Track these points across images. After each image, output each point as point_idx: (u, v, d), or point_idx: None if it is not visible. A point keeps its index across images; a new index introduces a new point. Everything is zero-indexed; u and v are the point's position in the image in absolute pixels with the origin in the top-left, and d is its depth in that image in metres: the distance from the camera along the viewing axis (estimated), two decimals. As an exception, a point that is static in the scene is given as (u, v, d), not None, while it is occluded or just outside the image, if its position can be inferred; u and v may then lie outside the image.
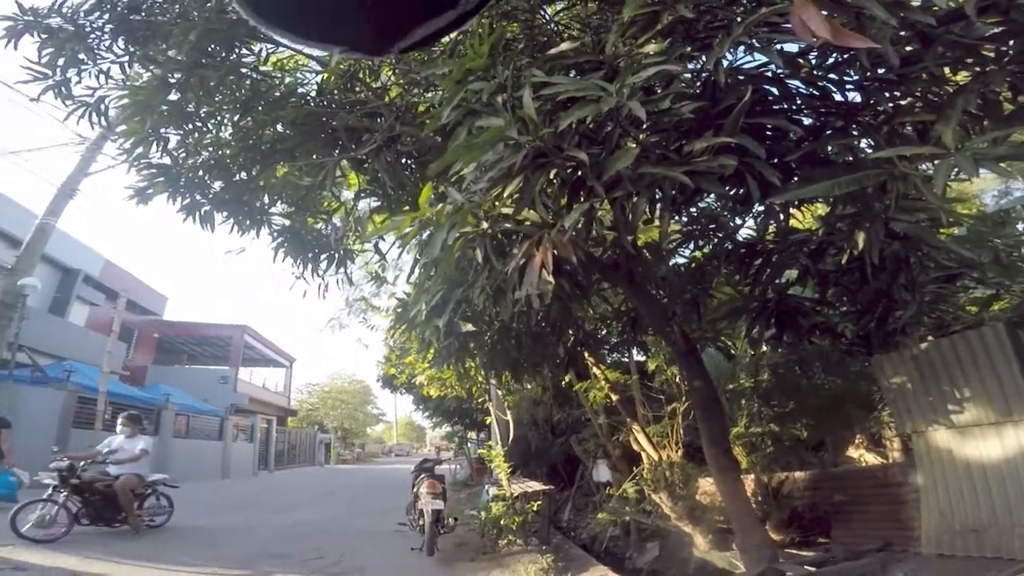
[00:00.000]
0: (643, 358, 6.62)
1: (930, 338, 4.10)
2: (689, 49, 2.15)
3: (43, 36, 3.40)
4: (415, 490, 6.28)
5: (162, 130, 3.85)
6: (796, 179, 2.18)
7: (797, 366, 5.62)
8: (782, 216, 2.99)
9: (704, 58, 2.15)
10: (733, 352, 5.68)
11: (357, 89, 3.85)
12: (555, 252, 1.86)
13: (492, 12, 2.82)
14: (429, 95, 3.81)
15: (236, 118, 4.00)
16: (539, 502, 6.06)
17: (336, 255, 4.64)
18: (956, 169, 1.81)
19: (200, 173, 4.06)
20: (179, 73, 3.48)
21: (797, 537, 5.18)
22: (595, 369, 5.92)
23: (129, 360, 17.54)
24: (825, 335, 4.20)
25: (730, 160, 1.82)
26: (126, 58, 3.67)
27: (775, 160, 2.08)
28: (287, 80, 4.23)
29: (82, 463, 6.15)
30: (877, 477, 4.94)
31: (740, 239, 3.65)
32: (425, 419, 23.76)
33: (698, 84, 2.27)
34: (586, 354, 4.57)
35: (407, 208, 4.11)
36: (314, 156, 3.84)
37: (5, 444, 7.09)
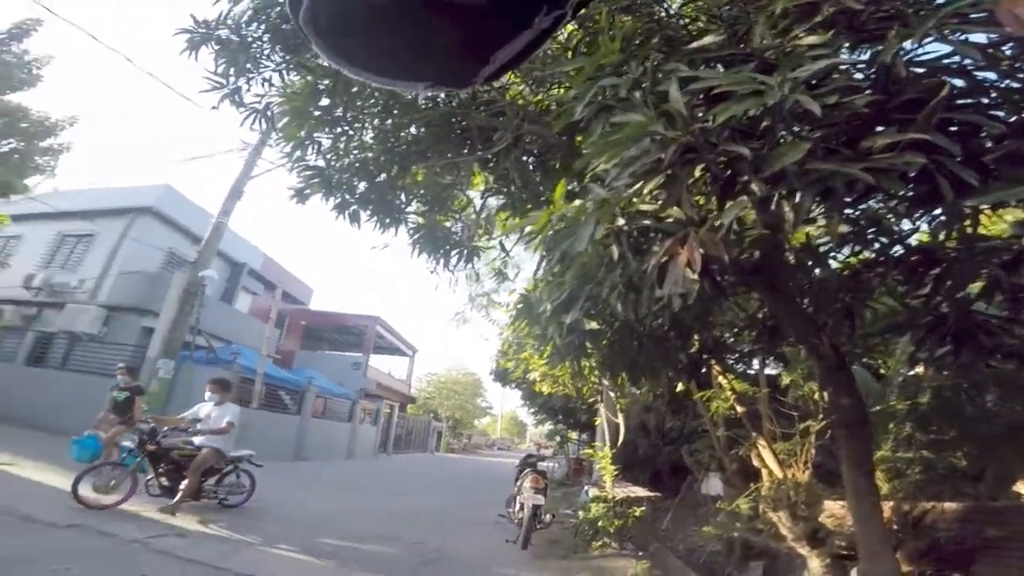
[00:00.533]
0: (775, 371, 6.16)
1: None
2: (852, 42, 1.98)
3: (216, 47, 3.80)
4: (518, 483, 6.43)
5: (315, 134, 4.21)
6: (994, 180, 1.90)
7: (964, 391, 4.91)
8: (969, 221, 2.59)
9: (870, 50, 1.96)
10: (883, 371, 5.10)
11: (485, 89, 3.96)
12: (702, 251, 1.79)
13: (612, 6, 2.75)
14: (554, 92, 3.82)
15: (377, 122, 4.29)
16: (642, 508, 5.90)
17: (465, 251, 4.88)
18: None
19: (348, 175, 4.42)
20: (327, 80, 3.79)
21: (930, 570, 4.60)
22: (720, 378, 5.61)
23: (281, 345, 19.50)
24: (1010, 358, 3.57)
25: (918, 158, 1.64)
26: (283, 66, 4.03)
27: (968, 159, 1.84)
28: None
29: (165, 428, 5.83)
30: None
31: (911, 244, 3.23)
32: (529, 415, 24.03)
33: (867, 78, 2.07)
34: (711, 362, 4.32)
35: (530, 207, 4.20)
36: (447, 156, 4.05)
37: (137, 410, 7.35)
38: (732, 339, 4.81)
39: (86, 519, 4.53)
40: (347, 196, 4.47)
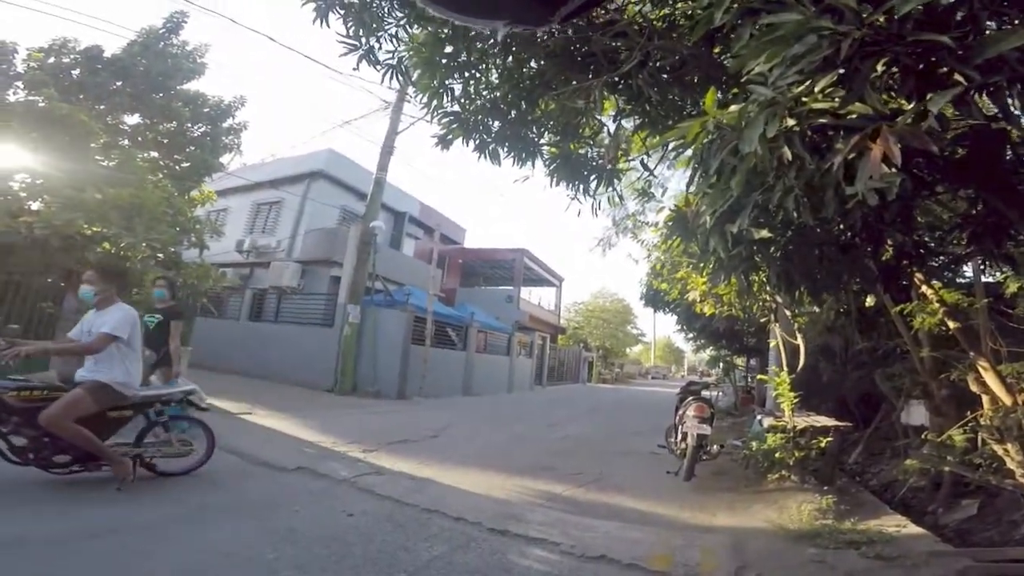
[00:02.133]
0: (994, 278, 5.10)
1: None
2: None
3: (341, 12, 3.95)
4: (680, 413, 6.25)
5: (447, 82, 4.29)
6: None
7: None
8: None
9: None
10: None
11: (602, 11, 3.72)
12: (900, 144, 1.56)
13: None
14: (680, 6, 3.48)
15: (499, 61, 4.25)
16: (829, 438, 5.43)
17: (604, 175, 4.74)
18: None
19: (481, 116, 4.49)
20: (445, 27, 3.80)
21: None
22: (924, 289, 4.79)
23: (443, 283, 20.78)
24: None
25: None
26: (404, 21, 4.11)
27: None
28: None
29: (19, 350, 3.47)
30: None
31: None
32: (686, 342, 23.19)
33: None
34: (911, 269, 3.68)
35: (670, 123, 3.91)
36: (573, 83, 3.90)
37: (173, 343, 5.45)
38: (936, 243, 4.04)
39: (308, 461, 5.22)
40: (484, 136, 4.57)
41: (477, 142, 4.57)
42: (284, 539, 3.23)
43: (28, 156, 6.62)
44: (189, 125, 9.68)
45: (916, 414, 6.00)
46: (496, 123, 4.54)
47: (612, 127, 4.97)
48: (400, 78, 4.46)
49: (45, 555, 2.69)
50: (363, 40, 4.16)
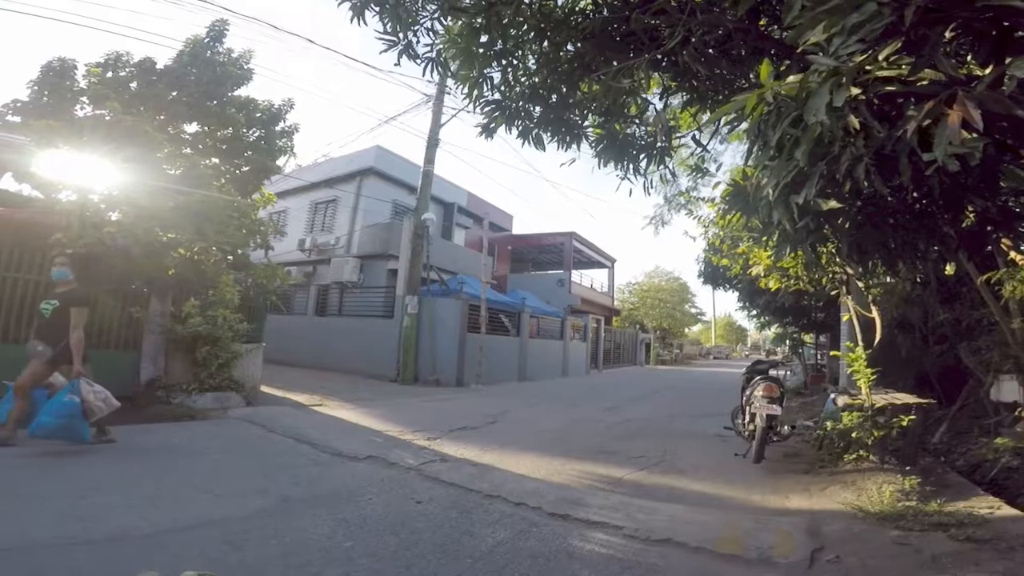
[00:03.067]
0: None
1: None
2: None
3: (377, 9, 3.98)
4: (747, 393, 6.04)
5: (486, 71, 4.31)
6: None
7: None
8: None
9: None
10: None
11: None
12: (979, 109, 1.46)
13: None
14: None
15: (535, 46, 4.21)
16: (911, 416, 5.11)
17: (655, 152, 4.64)
18: None
19: (522, 102, 4.48)
20: (479, 16, 3.79)
21: None
22: (1013, 255, 4.41)
23: (495, 271, 21.08)
24: None
25: None
26: (438, 13, 4.12)
27: None
28: (560, 1, 4.19)
29: None
30: None
31: None
32: (749, 319, 22.31)
33: None
34: (997, 235, 3.39)
35: (720, 98, 3.77)
36: (613, 64, 3.82)
37: (74, 334, 4.64)
38: (1018, 209, 3.69)
39: (377, 450, 5.41)
40: (527, 122, 4.56)
41: (520, 128, 4.57)
42: (358, 527, 3.40)
43: (102, 169, 7.07)
44: (244, 130, 9.97)
45: (1008, 390, 5.57)
46: (538, 108, 4.53)
47: (659, 105, 4.86)
48: (440, 70, 4.51)
49: (145, 547, 2.94)
50: (400, 35, 4.21)
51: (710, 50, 3.47)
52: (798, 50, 2.02)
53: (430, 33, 4.31)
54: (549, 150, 4.97)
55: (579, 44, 3.96)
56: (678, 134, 5.23)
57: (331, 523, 3.45)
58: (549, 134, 4.62)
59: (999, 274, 4.59)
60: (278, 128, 10.45)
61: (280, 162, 10.69)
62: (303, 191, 18.33)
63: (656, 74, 4.17)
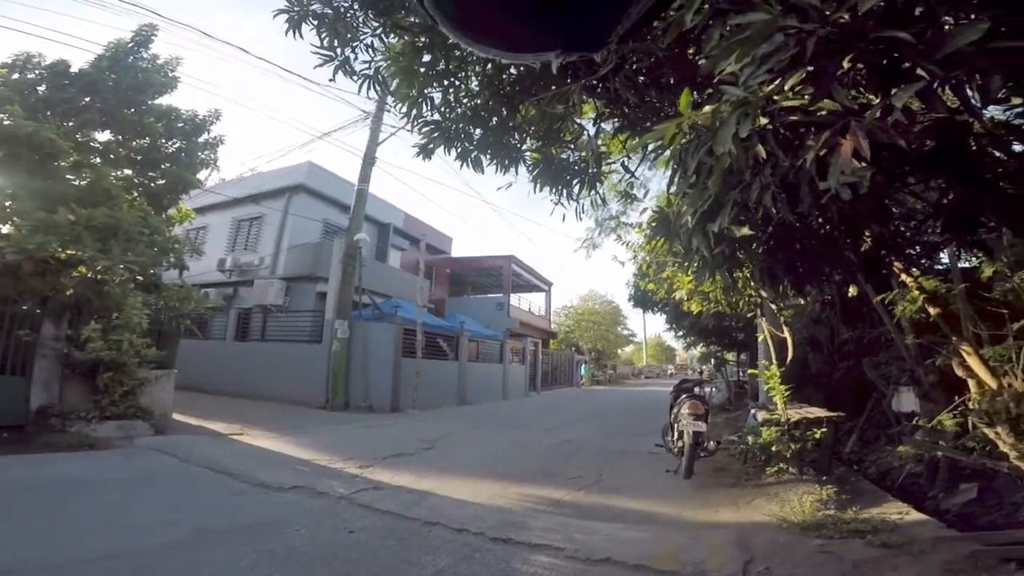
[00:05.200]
0: (971, 264, 5.20)
1: None
2: None
3: (315, 22, 3.91)
4: (674, 411, 6.25)
5: (426, 90, 4.29)
6: None
7: None
8: None
9: None
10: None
11: None
12: (869, 138, 1.59)
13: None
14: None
15: (478, 68, 4.26)
16: (823, 429, 5.47)
17: (586, 178, 4.77)
18: None
19: (462, 124, 4.48)
20: (422, 36, 3.79)
21: None
22: (904, 277, 4.87)
23: (432, 294, 20.30)
24: None
25: None
26: (379, 30, 4.09)
27: None
28: None
29: None
30: None
31: None
32: (676, 339, 23.35)
33: None
34: (890, 259, 3.75)
35: (649, 124, 3.95)
36: (552, 88, 3.92)
37: None
38: (912, 232, 4.11)
39: (304, 480, 5.16)
40: (466, 144, 4.56)
41: (459, 150, 4.57)
42: (285, 558, 3.18)
43: (-8, 178, 6.43)
44: (163, 141, 9.40)
45: (906, 400, 6.07)
46: (478, 130, 4.54)
47: (592, 131, 5.01)
48: (378, 88, 4.44)
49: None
50: (338, 51, 4.13)
51: (641, 78, 3.61)
52: (715, 80, 2.14)
53: (369, 50, 4.26)
54: (488, 172, 5.03)
55: (522, 68, 4.03)
56: (609, 160, 5.39)
57: (254, 554, 3.21)
58: (488, 157, 4.65)
59: (892, 295, 5.05)
60: (201, 140, 9.91)
61: (201, 176, 10.10)
62: (226, 207, 17.28)
63: (591, 100, 4.30)
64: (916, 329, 5.59)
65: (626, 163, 5.32)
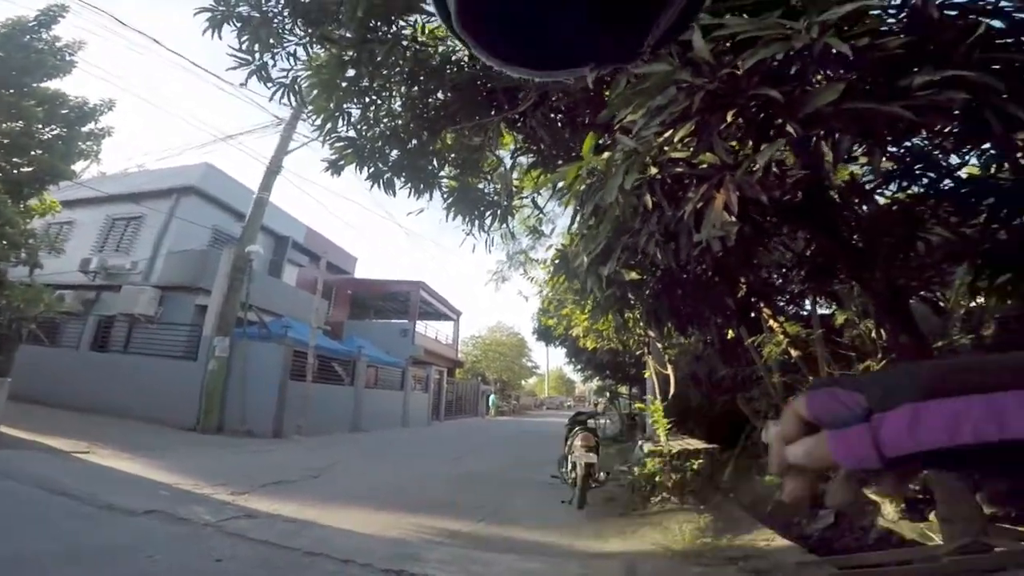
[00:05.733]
0: (827, 311, 5.94)
1: None
2: None
3: (238, 24, 3.80)
4: (568, 443, 6.45)
5: (345, 106, 4.23)
6: None
7: (1031, 319, 4.62)
8: (1021, 154, 2.47)
9: None
10: (943, 304, 4.83)
11: None
12: (739, 193, 1.76)
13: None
14: None
15: (404, 89, 4.27)
16: (700, 460, 5.86)
17: (499, 211, 4.86)
18: None
19: (379, 143, 4.43)
20: (351, 51, 3.77)
21: (1017, 511, 4.42)
22: (771, 322, 5.45)
23: (329, 316, 19.55)
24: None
25: (959, 94, 1.57)
26: (306, 39, 4.03)
27: (1013, 95, 1.78)
28: (441, 49, 4.35)
29: None
30: None
31: (962, 177, 3.09)
32: (576, 373, 24.18)
33: (899, 21, 2.05)
34: (760, 305, 4.21)
35: (561, 163, 4.14)
36: (476, 118, 3.99)
37: None
38: (780, 280, 4.65)
39: (163, 504, 4.68)
40: (380, 165, 4.51)
41: (372, 170, 4.49)
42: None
43: None
44: (39, 126, 8.51)
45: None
46: (394, 152, 4.52)
47: (509, 164, 5.12)
48: (294, 98, 4.28)
49: None
50: (257, 56, 3.95)
51: (559, 116, 3.77)
52: (615, 127, 2.27)
53: (291, 59, 4.15)
54: (400, 196, 4.97)
55: (449, 94, 4.06)
56: (522, 195, 5.54)
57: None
58: (402, 179, 4.62)
59: (761, 338, 5.62)
60: (86, 129, 8.98)
61: (77, 167, 9.11)
62: (100, 203, 15.31)
63: (511, 133, 4.40)
64: (781, 369, 6.25)
65: (536, 199, 5.49)
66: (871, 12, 1.85)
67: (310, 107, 4.36)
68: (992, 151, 2.72)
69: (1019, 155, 2.59)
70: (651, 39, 0.44)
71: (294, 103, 4.46)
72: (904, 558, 3.39)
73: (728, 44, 1.92)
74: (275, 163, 12.98)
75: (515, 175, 5.70)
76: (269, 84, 4.15)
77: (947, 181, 3.07)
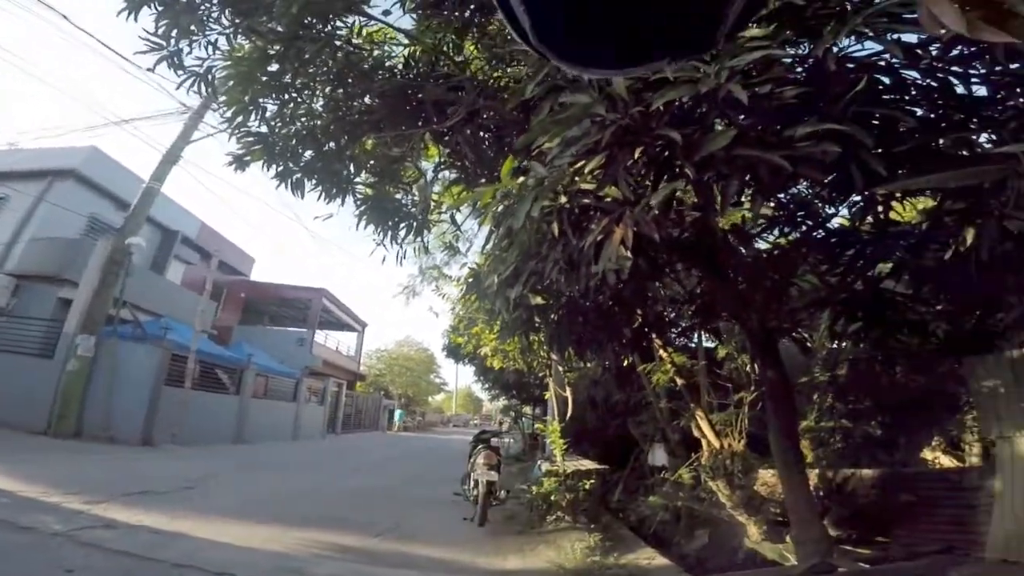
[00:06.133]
0: (712, 344, 6.48)
1: (1031, 344, 3.83)
2: (793, 35, 2.09)
3: (159, 8, 3.61)
4: (471, 460, 6.47)
5: (261, 100, 4.06)
6: (905, 170, 2.08)
7: (879, 363, 5.36)
8: (882, 208, 2.84)
9: (809, 45, 2.06)
10: (809, 345, 5.45)
11: (442, 63, 3.93)
12: (636, 229, 1.89)
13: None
14: (511, 70, 3.85)
15: (328, 90, 4.18)
16: (592, 480, 6.09)
17: (415, 224, 4.82)
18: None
19: (293, 142, 4.28)
20: (279, 45, 3.65)
21: (855, 535, 5.03)
22: (661, 352, 5.85)
23: (217, 319, 18.38)
24: (915, 333, 3.96)
25: (833, 147, 1.77)
26: (231, 30, 3.88)
27: (882, 151, 2.00)
28: (375, 53, 4.33)
29: None
30: (951, 480, 4.86)
31: (832, 228, 3.52)
32: (483, 391, 24.28)
33: (801, 70, 2.20)
34: (653, 336, 4.52)
35: (484, 181, 4.22)
36: (401, 128, 3.98)
37: None
38: (672, 314, 5.02)
39: (2, 512, 4.22)
40: (291, 164, 4.34)
41: (281, 168, 4.31)
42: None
43: None
44: None
45: (659, 456, 7.10)
46: (308, 153, 4.37)
47: (431, 177, 5.10)
48: (205, 88, 4.04)
49: None
50: (173, 42, 3.71)
51: (488, 135, 3.83)
52: (534, 152, 2.34)
53: (209, 47, 3.94)
54: (311, 199, 4.77)
55: (377, 100, 3.99)
56: (441, 209, 5.54)
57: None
58: (314, 181, 4.47)
59: (651, 366, 6.01)
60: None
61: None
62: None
63: (438, 147, 4.40)
64: (668, 395, 6.70)
65: (455, 216, 5.52)
66: (781, 61, 1.98)
67: (223, 98, 4.13)
68: (859, 203, 3.07)
69: (880, 209, 2.99)
70: (723, 28, 0.45)
71: (204, 93, 4.20)
72: (766, 576, 3.69)
73: (643, 83, 2.00)
74: (173, 152, 11.97)
75: (437, 189, 5.71)
76: (180, 72, 3.91)
77: (820, 231, 3.49)
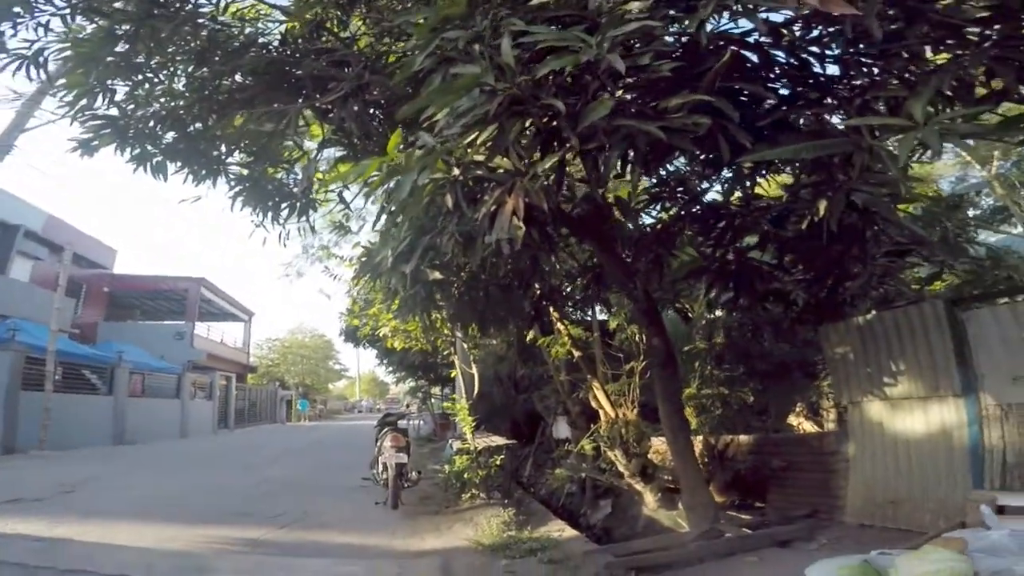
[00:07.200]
0: (605, 316, 6.77)
1: (874, 311, 4.28)
2: (672, 11, 2.18)
3: None
4: (378, 444, 6.33)
5: (108, 82, 3.72)
6: (763, 142, 2.25)
7: (750, 331, 5.82)
8: (748, 182, 3.09)
9: (687, 20, 2.16)
10: (690, 315, 5.86)
11: (324, 38, 3.73)
12: (527, 200, 1.90)
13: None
14: (400, 44, 3.74)
15: (191, 69, 3.88)
16: (502, 456, 6.20)
17: (299, 204, 4.53)
18: (921, 145, 1.87)
19: (151, 124, 3.92)
20: (128, 24, 3.32)
21: (737, 499, 5.43)
22: (559, 325, 6.02)
23: (78, 317, 16.90)
24: (778, 301, 4.37)
25: (703, 119, 1.87)
26: (67, 10, 3.47)
27: (747, 124, 2.15)
28: (247, 30, 4.09)
29: None
30: (812, 445, 5.15)
31: (706, 202, 3.76)
32: (388, 374, 23.75)
33: (679, 45, 2.31)
34: (551, 309, 4.66)
35: (373, 158, 4.04)
36: (275, 105, 3.73)
37: None
38: (568, 288, 5.17)
39: None
40: (149, 147, 3.97)
41: (137, 152, 3.92)
42: None
43: None
44: None
45: (561, 428, 7.36)
46: (171, 134, 4.03)
47: (316, 155, 4.84)
48: (38, 72, 3.56)
49: None
50: None
51: (377, 110, 3.66)
52: (423, 125, 2.26)
53: (40, 29, 3.46)
54: (174, 181, 4.29)
55: (249, 79, 3.71)
56: (328, 188, 5.27)
57: None
58: (179, 164, 4.12)
59: (550, 339, 6.20)
60: None
61: None
62: None
63: (321, 124, 4.19)
64: (567, 368, 6.95)
65: (343, 194, 5.26)
66: (660, 37, 2.01)
67: (62, 81, 3.73)
68: (729, 179, 3.28)
69: (747, 184, 3.22)
70: None
71: (39, 77, 3.67)
72: (663, 544, 3.95)
73: (530, 53, 2.01)
74: (4, 142, 10.42)
75: (325, 168, 5.38)
76: (2, 55, 3.44)
77: (696, 206, 3.74)
